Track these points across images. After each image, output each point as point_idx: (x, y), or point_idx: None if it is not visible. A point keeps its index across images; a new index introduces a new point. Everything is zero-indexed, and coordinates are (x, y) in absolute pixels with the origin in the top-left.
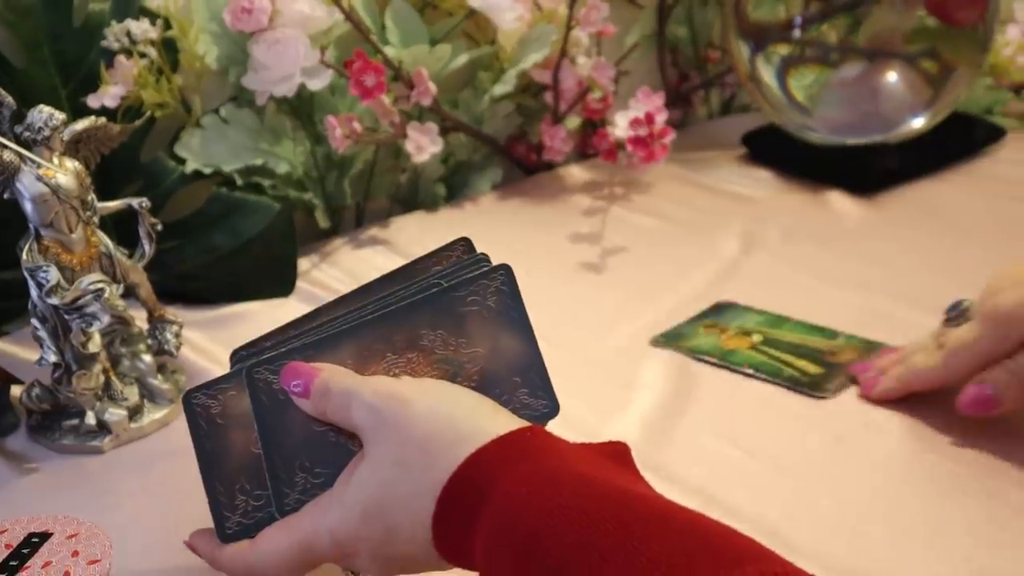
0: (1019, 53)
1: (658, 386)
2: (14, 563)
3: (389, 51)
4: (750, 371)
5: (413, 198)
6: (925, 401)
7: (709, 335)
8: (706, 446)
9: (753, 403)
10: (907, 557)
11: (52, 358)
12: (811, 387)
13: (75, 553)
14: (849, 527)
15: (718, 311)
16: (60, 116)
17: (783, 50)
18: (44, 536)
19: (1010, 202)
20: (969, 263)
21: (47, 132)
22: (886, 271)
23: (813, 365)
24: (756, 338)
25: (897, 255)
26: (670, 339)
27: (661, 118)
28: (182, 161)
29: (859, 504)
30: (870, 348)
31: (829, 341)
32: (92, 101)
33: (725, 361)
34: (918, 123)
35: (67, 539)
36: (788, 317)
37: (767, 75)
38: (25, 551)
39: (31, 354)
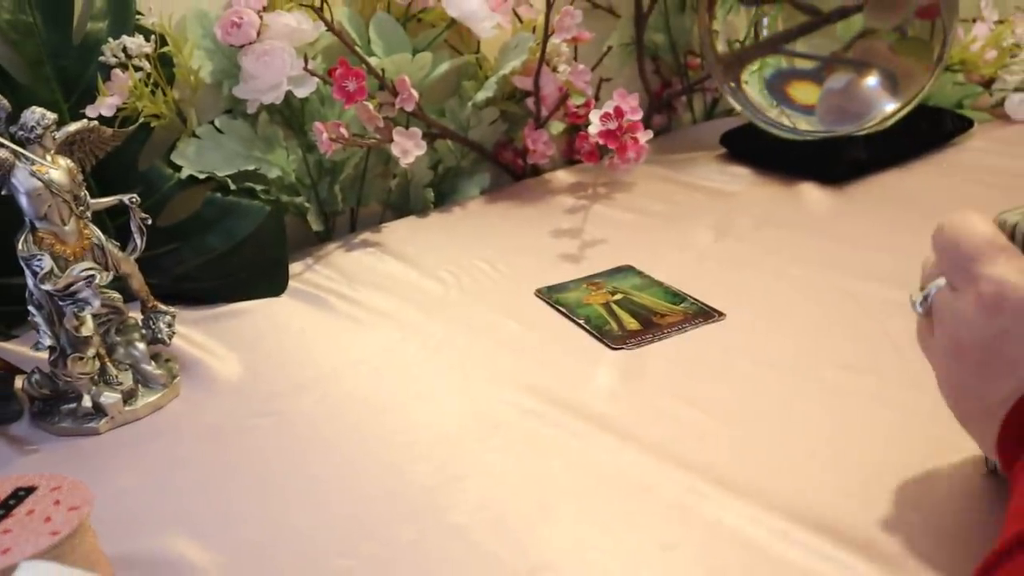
0: (987, 49)
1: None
2: (0, 512)
3: (373, 61)
4: (581, 321)
5: (404, 204)
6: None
7: (580, 290)
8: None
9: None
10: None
11: (48, 342)
12: (611, 338)
13: (57, 502)
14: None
15: (612, 273)
16: (51, 116)
17: (764, 66)
18: (30, 490)
19: (976, 186)
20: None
21: (39, 131)
22: (852, 252)
23: (635, 321)
24: (616, 296)
25: (863, 237)
26: (551, 291)
27: (633, 114)
28: (178, 169)
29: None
30: (700, 313)
31: (670, 305)
32: (90, 111)
33: (572, 313)
34: (889, 108)
35: (51, 491)
36: (660, 282)
37: (749, 87)
38: (11, 502)
39: (37, 355)
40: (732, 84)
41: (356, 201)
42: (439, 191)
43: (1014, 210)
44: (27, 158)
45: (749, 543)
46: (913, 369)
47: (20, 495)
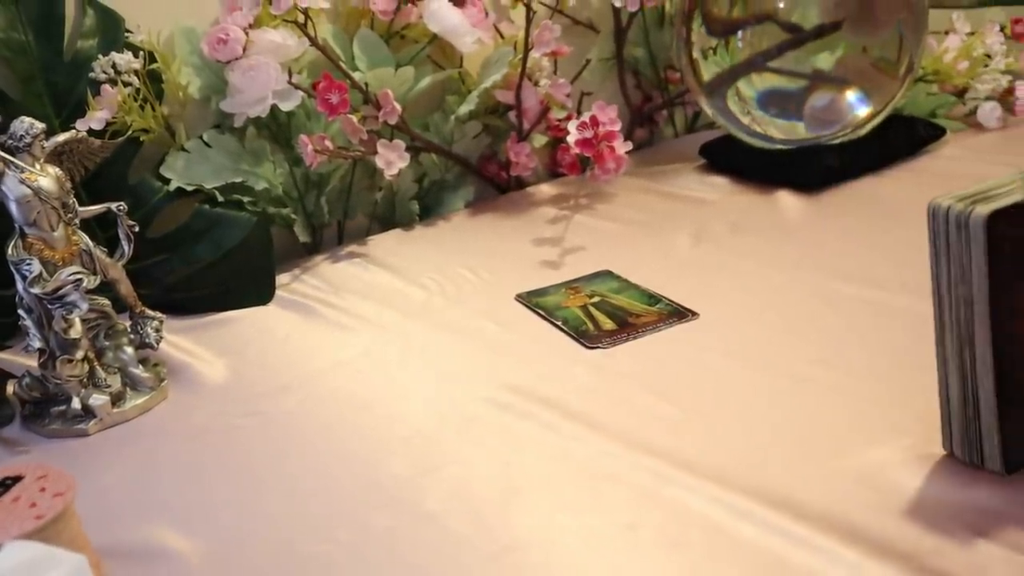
0: (960, 59)
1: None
2: None
3: (357, 75)
4: (559, 323)
5: (390, 216)
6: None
7: (560, 295)
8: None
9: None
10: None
11: (37, 344)
12: (587, 338)
13: (42, 489)
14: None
15: (591, 277)
16: (40, 125)
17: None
18: (17, 479)
19: (949, 192)
20: (903, 243)
21: (28, 139)
22: (824, 255)
23: (611, 322)
24: (594, 299)
25: (835, 241)
26: (531, 295)
27: (609, 124)
28: (167, 181)
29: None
30: (675, 313)
31: (646, 307)
32: (80, 125)
33: (550, 315)
34: (863, 112)
35: (36, 479)
36: (637, 285)
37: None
38: None
39: (29, 363)
40: (706, 92)
41: (343, 214)
42: (424, 204)
43: (945, 196)
44: (16, 166)
45: (711, 522)
46: (877, 362)
47: (7, 483)
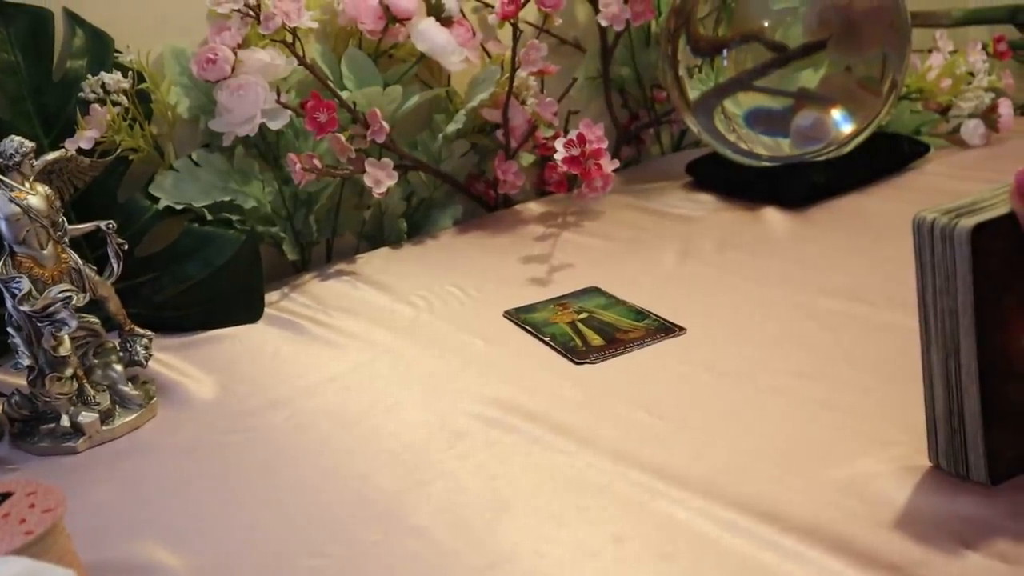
0: (943, 78)
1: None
2: None
3: (345, 95)
4: (547, 339)
5: (379, 234)
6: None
7: (548, 311)
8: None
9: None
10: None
11: (26, 361)
12: (575, 354)
13: (32, 505)
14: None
15: (578, 294)
16: (29, 144)
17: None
18: (6, 495)
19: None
20: (888, 258)
21: (18, 158)
22: (810, 271)
23: (599, 338)
24: (582, 315)
25: (821, 257)
26: (519, 312)
27: (596, 142)
28: (156, 201)
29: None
30: (662, 328)
31: (633, 322)
32: (69, 144)
33: (538, 331)
34: (847, 128)
35: (26, 496)
36: (624, 301)
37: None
38: None
39: (18, 381)
40: (692, 110)
41: (331, 232)
42: (412, 222)
43: (930, 209)
44: (6, 184)
45: (698, 534)
46: (863, 375)
47: None
